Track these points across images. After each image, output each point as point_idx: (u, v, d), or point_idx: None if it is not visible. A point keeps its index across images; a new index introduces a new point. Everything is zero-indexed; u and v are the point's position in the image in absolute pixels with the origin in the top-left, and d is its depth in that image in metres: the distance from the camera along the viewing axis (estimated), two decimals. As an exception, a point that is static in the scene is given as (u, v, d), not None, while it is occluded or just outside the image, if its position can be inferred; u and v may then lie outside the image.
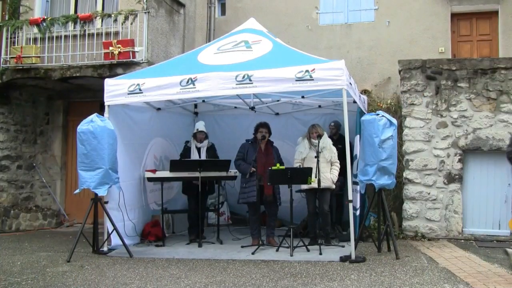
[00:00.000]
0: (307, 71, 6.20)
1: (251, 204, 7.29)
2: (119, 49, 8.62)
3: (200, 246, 7.31)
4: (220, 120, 9.51)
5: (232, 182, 7.98)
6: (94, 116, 6.76)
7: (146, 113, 8.17)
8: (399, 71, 8.32)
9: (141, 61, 8.76)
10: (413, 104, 8.09)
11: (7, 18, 9.81)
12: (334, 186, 7.27)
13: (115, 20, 9.03)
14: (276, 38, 7.71)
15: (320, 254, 6.57)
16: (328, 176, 7.11)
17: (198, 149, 7.79)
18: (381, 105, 9.40)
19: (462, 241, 7.62)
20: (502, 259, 6.36)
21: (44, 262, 6.43)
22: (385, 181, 6.53)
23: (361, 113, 7.37)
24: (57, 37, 9.21)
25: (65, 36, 9.19)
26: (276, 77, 6.34)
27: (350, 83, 6.65)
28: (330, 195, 7.36)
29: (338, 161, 7.23)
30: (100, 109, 7.86)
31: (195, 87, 6.58)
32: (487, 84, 7.83)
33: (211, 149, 7.91)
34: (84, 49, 9.07)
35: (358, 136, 7.14)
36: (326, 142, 7.23)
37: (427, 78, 8.07)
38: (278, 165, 6.90)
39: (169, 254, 6.83)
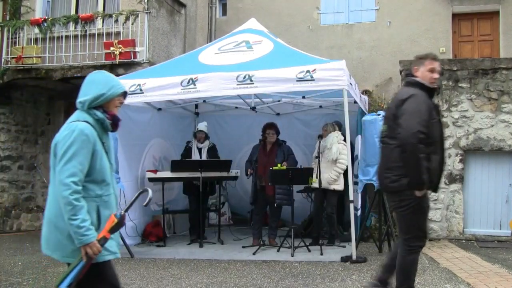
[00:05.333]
0: (308, 71, 6.19)
1: (253, 204, 7.39)
2: (120, 50, 8.61)
3: (201, 246, 7.30)
4: (221, 120, 9.50)
5: (233, 183, 7.98)
6: (94, 117, 6.75)
7: (145, 113, 8.15)
8: (400, 72, 8.30)
9: (142, 62, 8.75)
10: (414, 104, 8.06)
11: (8, 18, 9.81)
12: (331, 187, 7.02)
13: (116, 21, 9.04)
14: (277, 38, 7.70)
15: (321, 254, 6.56)
16: (326, 176, 6.98)
17: (199, 150, 7.78)
18: (382, 105, 9.39)
19: (463, 241, 7.62)
20: (503, 259, 6.35)
21: (45, 263, 6.41)
22: (385, 181, 6.51)
23: (362, 114, 7.36)
24: (58, 37, 9.21)
25: (66, 36, 9.19)
26: (277, 77, 6.33)
27: (351, 84, 6.64)
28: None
29: (343, 160, 6.90)
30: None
31: (196, 87, 6.57)
32: (488, 85, 7.82)
33: (212, 150, 7.89)
34: (85, 49, 9.06)
35: (359, 136, 7.13)
36: (328, 141, 7.10)
37: (428, 78, 8.05)
38: (279, 165, 6.88)
39: (170, 254, 6.83)
